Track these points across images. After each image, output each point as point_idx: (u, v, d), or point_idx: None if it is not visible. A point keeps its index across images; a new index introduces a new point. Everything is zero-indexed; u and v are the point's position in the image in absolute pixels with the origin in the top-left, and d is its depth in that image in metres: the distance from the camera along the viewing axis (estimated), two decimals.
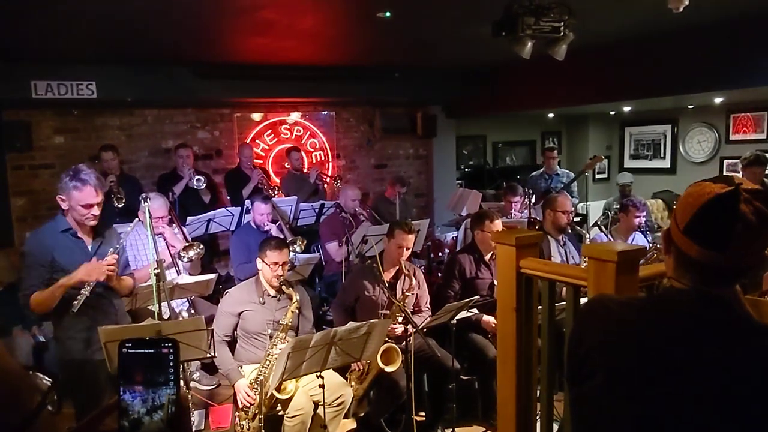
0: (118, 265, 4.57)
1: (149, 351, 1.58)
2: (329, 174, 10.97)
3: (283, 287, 5.38)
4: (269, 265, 5.36)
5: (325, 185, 10.29)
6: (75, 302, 4.28)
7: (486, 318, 6.01)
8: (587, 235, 7.30)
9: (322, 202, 9.16)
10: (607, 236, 7.10)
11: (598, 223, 7.61)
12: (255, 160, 10.18)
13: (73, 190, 4.38)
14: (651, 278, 3.14)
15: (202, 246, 6.56)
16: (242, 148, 9.92)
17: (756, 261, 1.72)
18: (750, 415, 1.62)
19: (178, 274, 6.46)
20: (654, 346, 1.73)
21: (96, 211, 4.47)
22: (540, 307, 3.61)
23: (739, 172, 8.54)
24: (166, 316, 5.15)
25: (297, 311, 5.37)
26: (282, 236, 7.34)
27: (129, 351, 1.58)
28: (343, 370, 5.55)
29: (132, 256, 6.11)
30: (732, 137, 12.32)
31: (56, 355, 4.76)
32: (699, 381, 1.65)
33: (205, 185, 8.60)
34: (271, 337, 5.24)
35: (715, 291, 1.73)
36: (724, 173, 11.82)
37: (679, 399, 1.66)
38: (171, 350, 1.58)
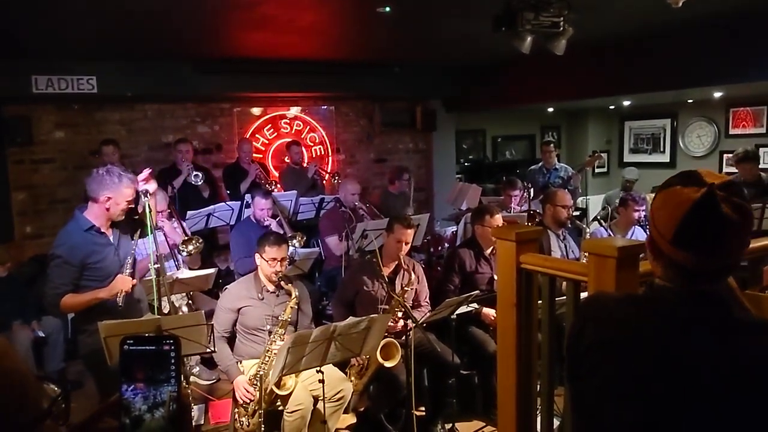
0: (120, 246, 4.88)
1: (150, 348, 1.59)
2: (328, 170, 10.95)
3: (282, 283, 5.38)
4: (267, 261, 5.35)
5: (324, 181, 10.28)
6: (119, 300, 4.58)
7: (486, 310, 6.01)
8: (587, 230, 7.30)
9: (322, 196, 9.16)
10: (606, 231, 7.09)
11: (598, 217, 7.60)
12: (255, 155, 10.15)
13: (125, 188, 4.67)
14: (651, 273, 3.13)
15: (201, 240, 6.56)
16: (241, 143, 9.89)
17: (743, 253, 1.75)
18: (747, 411, 1.63)
19: (177, 269, 6.46)
20: (652, 344, 1.74)
21: (131, 205, 4.77)
22: (540, 301, 3.62)
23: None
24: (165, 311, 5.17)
25: (296, 307, 5.38)
26: (282, 231, 7.35)
27: (130, 348, 1.59)
28: (342, 365, 5.56)
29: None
30: (731, 131, 12.36)
31: (80, 346, 4.89)
32: (696, 378, 1.66)
33: (202, 181, 8.57)
34: (270, 333, 5.25)
35: (708, 288, 1.74)
36: (724, 168, 11.87)
37: (677, 396, 1.67)
38: (172, 347, 1.58)
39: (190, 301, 6.86)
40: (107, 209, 4.63)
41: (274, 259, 5.34)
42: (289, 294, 5.31)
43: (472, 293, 5.60)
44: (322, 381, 4.80)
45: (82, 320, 4.77)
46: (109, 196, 4.58)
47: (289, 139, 10.80)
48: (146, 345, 1.59)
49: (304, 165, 10.16)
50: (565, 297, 3.71)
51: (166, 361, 1.57)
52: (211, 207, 7.99)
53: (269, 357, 5.01)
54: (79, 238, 4.61)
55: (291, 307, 5.27)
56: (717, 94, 11.27)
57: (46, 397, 1.59)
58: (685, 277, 1.76)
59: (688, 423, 1.67)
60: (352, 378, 5.59)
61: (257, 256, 5.47)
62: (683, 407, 1.67)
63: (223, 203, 8.23)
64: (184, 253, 6.40)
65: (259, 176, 9.15)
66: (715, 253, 1.70)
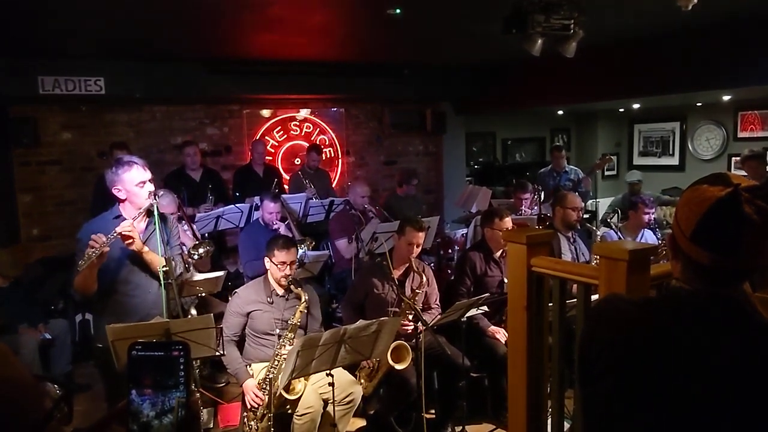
0: (150, 239, 4.73)
1: (159, 354, 1.57)
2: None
3: (292, 287, 5.37)
4: (277, 265, 5.34)
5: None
6: (81, 262, 4.29)
7: (493, 328, 6.02)
8: (598, 232, 7.29)
9: (332, 198, 9.14)
10: (616, 233, 7.08)
11: (608, 220, 7.59)
12: (265, 157, 10.15)
13: (123, 174, 4.55)
14: (662, 277, 3.12)
15: (212, 243, 6.56)
16: (255, 144, 9.93)
17: (765, 259, 1.72)
18: (763, 415, 1.61)
19: (187, 272, 6.45)
20: (665, 348, 1.73)
21: (151, 186, 4.63)
22: (551, 304, 3.60)
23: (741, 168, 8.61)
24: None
25: (306, 311, 5.36)
26: (291, 234, 7.35)
27: (139, 354, 1.57)
28: (352, 368, 5.54)
29: None
30: (740, 135, 12.37)
31: (93, 339, 4.98)
32: (711, 382, 1.65)
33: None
34: (279, 337, 5.23)
35: (724, 292, 1.74)
36: (732, 171, 11.83)
37: (690, 400, 1.66)
38: (181, 353, 1.56)
39: (201, 293, 6.80)
40: (125, 198, 4.61)
41: (284, 262, 5.32)
42: (299, 298, 5.30)
43: (482, 296, 5.59)
44: (331, 384, 4.78)
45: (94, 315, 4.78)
46: (118, 188, 4.57)
47: (305, 143, 10.80)
48: (155, 351, 1.58)
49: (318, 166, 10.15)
50: (575, 300, 3.69)
51: (175, 367, 1.56)
52: (220, 209, 7.99)
53: (278, 361, 5.00)
54: (101, 223, 4.62)
55: (300, 311, 5.25)
56: (726, 98, 11.29)
57: (48, 399, 1.57)
58: (702, 278, 1.75)
59: (700, 426, 1.66)
60: (362, 381, 5.57)
61: (266, 259, 5.45)
62: (696, 410, 1.65)
63: (232, 205, 8.22)
64: (195, 257, 6.40)
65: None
66: (733, 254, 1.68)
